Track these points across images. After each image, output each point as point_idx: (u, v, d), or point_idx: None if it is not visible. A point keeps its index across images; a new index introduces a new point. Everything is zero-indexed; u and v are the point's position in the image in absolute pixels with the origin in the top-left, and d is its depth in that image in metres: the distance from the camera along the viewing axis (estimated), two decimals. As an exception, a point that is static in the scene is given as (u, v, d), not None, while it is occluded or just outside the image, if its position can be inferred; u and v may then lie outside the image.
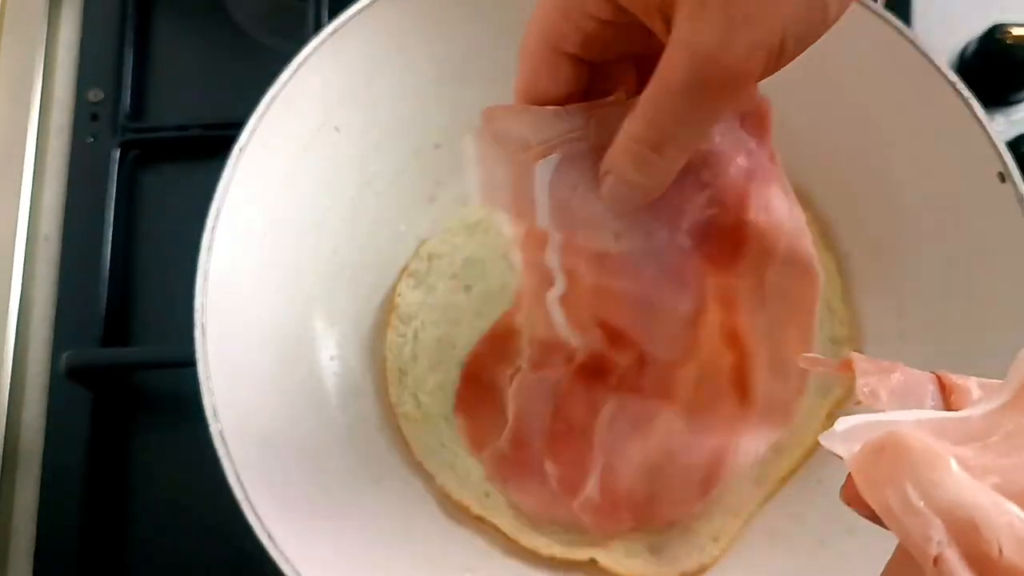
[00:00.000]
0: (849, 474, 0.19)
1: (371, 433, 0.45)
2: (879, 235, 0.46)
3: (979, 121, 0.40)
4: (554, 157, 0.31)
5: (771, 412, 0.39)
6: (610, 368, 0.41)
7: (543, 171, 0.32)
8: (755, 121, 0.33)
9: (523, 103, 0.31)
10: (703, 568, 0.42)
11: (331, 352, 0.46)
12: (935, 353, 0.42)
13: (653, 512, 0.41)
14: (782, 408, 0.40)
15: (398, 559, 0.41)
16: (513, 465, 0.43)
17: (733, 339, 0.38)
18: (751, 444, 0.40)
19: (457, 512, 0.44)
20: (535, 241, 0.36)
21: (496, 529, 0.43)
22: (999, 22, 0.54)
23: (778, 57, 0.25)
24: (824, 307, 0.46)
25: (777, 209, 0.33)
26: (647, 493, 0.41)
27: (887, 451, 0.18)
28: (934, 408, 0.22)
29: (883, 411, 0.21)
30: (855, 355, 0.23)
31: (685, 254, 0.34)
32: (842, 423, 0.19)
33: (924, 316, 0.43)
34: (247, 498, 0.36)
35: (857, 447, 0.19)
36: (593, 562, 0.42)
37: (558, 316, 0.39)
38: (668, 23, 0.25)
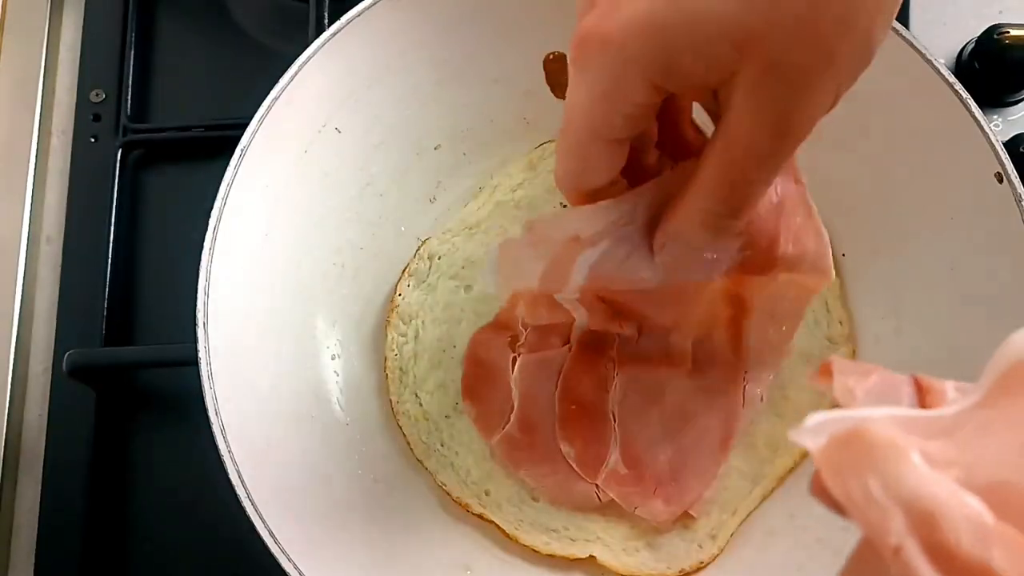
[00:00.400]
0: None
1: (372, 432, 0.45)
2: (876, 235, 0.46)
3: (977, 121, 0.40)
4: (603, 244, 0.32)
5: (764, 356, 0.42)
6: (610, 340, 0.42)
7: (588, 256, 0.33)
8: None
9: (571, 191, 0.31)
10: (701, 565, 0.42)
11: (333, 351, 0.46)
12: (931, 353, 0.42)
13: (680, 483, 0.42)
14: (774, 349, 0.42)
15: (399, 556, 0.41)
16: (524, 449, 0.43)
17: (736, 300, 0.40)
18: (754, 389, 0.43)
19: (457, 510, 0.44)
20: None
21: (496, 527, 0.43)
22: (997, 23, 0.54)
23: (835, 103, 0.27)
24: (821, 307, 0.46)
25: (805, 241, 0.35)
26: (670, 460, 0.42)
27: (851, 443, 0.19)
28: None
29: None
30: (835, 358, 0.23)
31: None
32: (812, 418, 0.20)
33: (921, 316, 0.44)
34: (249, 496, 0.36)
35: (824, 440, 0.19)
36: (592, 559, 0.42)
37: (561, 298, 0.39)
38: (716, 96, 0.27)
